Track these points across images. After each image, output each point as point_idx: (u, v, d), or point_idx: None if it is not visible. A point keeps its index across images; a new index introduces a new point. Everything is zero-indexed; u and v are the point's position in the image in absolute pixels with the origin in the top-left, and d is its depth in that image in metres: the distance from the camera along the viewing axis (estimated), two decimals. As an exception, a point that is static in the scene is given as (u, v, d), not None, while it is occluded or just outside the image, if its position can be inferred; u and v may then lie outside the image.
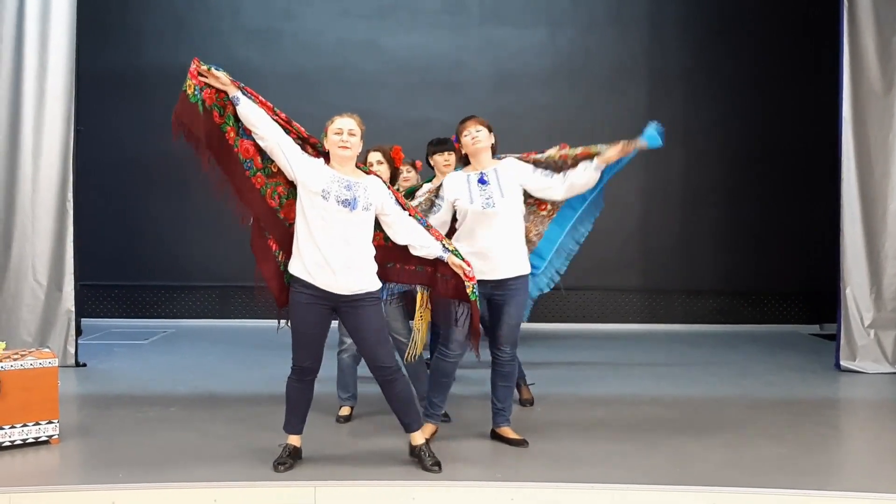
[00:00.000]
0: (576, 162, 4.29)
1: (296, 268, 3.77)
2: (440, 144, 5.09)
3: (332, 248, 3.68)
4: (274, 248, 3.89)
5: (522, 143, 8.25)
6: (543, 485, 3.68)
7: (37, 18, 6.13)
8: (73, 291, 6.21)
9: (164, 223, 8.47)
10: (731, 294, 8.59)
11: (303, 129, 3.92)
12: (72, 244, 6.20)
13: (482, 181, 4.15)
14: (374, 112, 8.56)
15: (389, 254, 3.95)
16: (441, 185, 4.28)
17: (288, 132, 3.84)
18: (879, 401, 5.49)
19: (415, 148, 5.53)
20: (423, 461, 3.84)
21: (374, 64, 8.49)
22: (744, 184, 8.51)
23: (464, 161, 4.32)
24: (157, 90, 8.43)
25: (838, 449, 4.53)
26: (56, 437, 4.24)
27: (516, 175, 4.20)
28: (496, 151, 4.30)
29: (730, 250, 8.54)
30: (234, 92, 3.75)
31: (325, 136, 3.85)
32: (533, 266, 4.34)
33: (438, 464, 3.83)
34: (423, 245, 3.88)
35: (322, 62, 8.51)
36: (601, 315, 8.60)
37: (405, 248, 3.92)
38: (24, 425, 4.15)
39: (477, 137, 4.17)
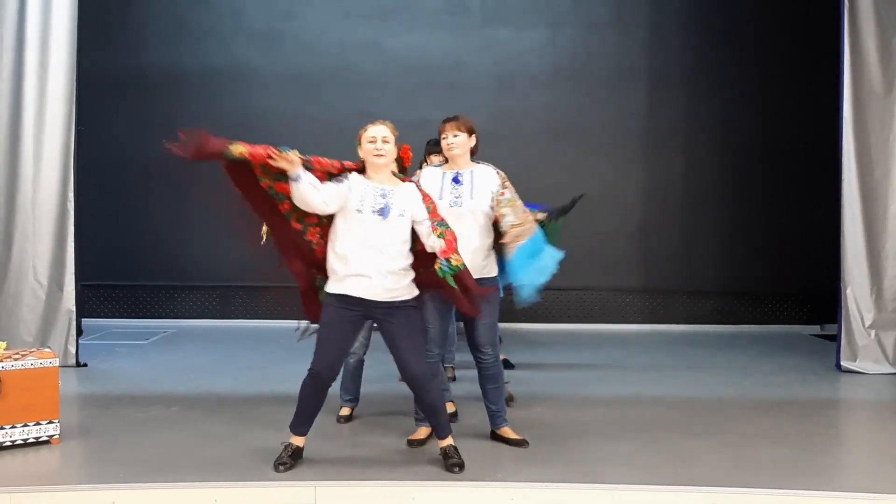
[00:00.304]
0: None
1: (331, 286, 3.79)
2: (437, 145, 5.10)
3: (366, 257, 3.69)
4: (306, 265, 3.89)
5: (523, 144, 8.34)
6: (544, 485, 3.69)
7: (38, 18, 6.13)
8: (73, 291, 6.21)
9: (164, 223, 8.48)
10: (732, 294, 8.59)
11: (351, 163, 3.90)
12: (73, 244, 6.20)
13: (456, 180, 4.18)
14: (375, 112, 8.45)
15: (430, 259, 3.91)
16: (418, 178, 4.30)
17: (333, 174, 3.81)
18: (880, 401, 5.49)
19: (415, 148, 5.53)
20: (445, 461, 3.86)
21: (375, 65, 8.50)
22: (745, 184, 8.51)
23: (444, 159, 4.35)
24: (159, 91, 8.50)
25: (839, 449, 4.52)
26: (57, 436, 4.24)
27: (490, 184, 4.19)
28: (476, 153, 4.30)
29: (731, 251, 8.54)
30: (296, 171, 3.62)
31: (359, 144, 3.86)
32: None
33: (459, 465, 3.83)
34: (433, 245, 3.85)
35: (323, 63, 8.52)
36: (602, 315, 8.60)
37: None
38: (25, 425, 4.16)
39: (452, 144, 4.18)
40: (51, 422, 4.22)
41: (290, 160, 3.61)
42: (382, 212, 3.73)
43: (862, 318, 6.30)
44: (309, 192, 3.66)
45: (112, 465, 3.90)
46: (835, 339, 6.51)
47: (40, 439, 4.20)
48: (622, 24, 8.57)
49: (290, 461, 3.85)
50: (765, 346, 7.49)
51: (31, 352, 4.37)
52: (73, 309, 6.21)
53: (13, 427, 4.13)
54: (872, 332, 6.29)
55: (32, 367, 4.18)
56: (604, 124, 8.54)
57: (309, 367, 3.82)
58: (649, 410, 5.08)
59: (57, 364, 4.28)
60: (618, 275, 8.55)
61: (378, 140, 3.81)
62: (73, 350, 6.21)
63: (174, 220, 8.46)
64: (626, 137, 8.56)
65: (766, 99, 8.45)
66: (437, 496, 3.65)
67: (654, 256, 8.58)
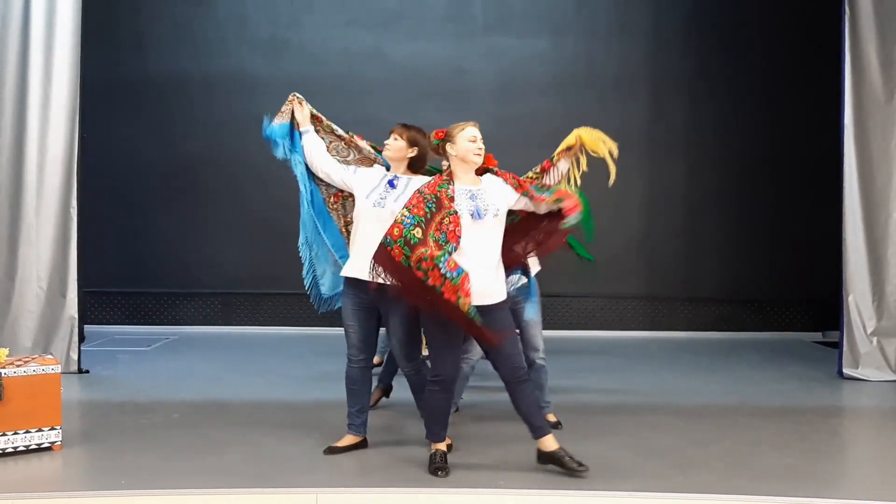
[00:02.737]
0: None
1: None
2: None
3: (463, 263, 3.63)
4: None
5: (525, 150, 8.32)
6: (545, 492, 3.69)
7: (42, 25, 6.15)
8: (76, 298, 6.22)
9: (167, 230, 8.50)
10: (734, 301, 8.59)
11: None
12: (75, 251, 6.21)
13: (391, 184, 4.14)
14: (378, 120, 8.57)
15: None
16: (374, 158, 4.35)
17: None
18: (882, 409, 5.48)
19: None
20: (565, 465, 3.79)
21: (379, 72, 8.52)
22: (746, 191, 8.51)
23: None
24: (163, 98, 8.53)
25: (841, 457, 4.52)
26: (59, 443, 4.25)
27: None
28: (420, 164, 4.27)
29: (732, 258, 8.54)
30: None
31: (452, 141, 3.81)
32: None
33: (582, 464, 3.78)
34: (549, 206, 3.87)
35: (327, 70, 8.54)
36: (603, 322, 8.59)
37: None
38: (27, 432, 4.16)
39: (388, 146, 4.20)
40: (53, 428, 4.23)
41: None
42: (475, 214, 3.72)
43: (864, 326, 6.29)
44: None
45: (114, 472, 3.91)
46: (837, 346, 6.49)
47: (42, 446, 4.20)
48: (624, 32, 8.59)
49: (446, 465, 3.86)
50: (767, 354, 7.48)
51: (33, 358, 4.39)
52: (76, 315, 6.22)
53: (15, 433, 4.13)
54: (874, 340, 6.28)
55: (35, 373, 4.19)
56: (606, 131, 8.48)
57: (431, 375, 3.86)
58: (650, 418, 5.08)
59: (59, 370, 4.29)
60: (619, 281, 8.55)
61: (478, 140, 3.80)
62: (75, 356, 6.21)
63: (176, 227, 8.49)
64: (628, 144, 8.44)
65: (768, 106, 8.46)
66: (438, 502, 3.64)
67: (656, 263, 8.59)
